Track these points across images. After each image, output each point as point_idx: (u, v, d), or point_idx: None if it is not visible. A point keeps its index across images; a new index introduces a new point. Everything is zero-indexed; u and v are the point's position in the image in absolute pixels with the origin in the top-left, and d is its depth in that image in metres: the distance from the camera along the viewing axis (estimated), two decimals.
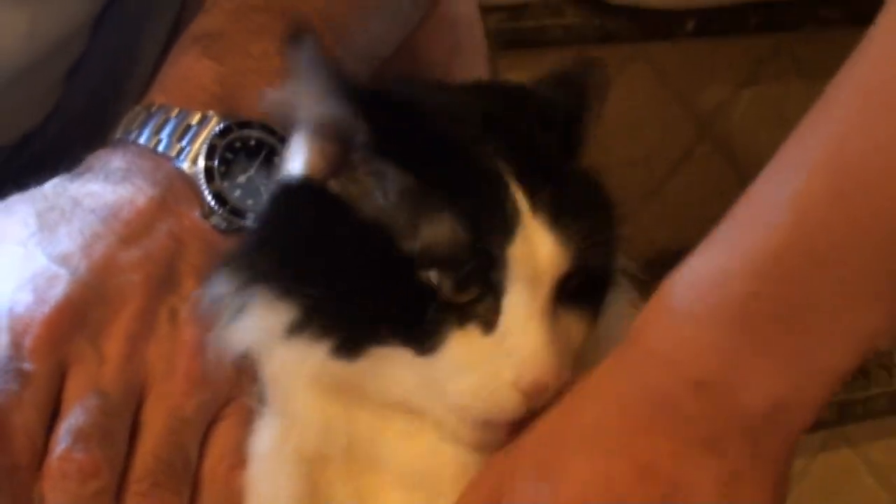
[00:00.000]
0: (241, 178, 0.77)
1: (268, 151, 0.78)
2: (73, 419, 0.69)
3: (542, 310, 0.67)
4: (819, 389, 0.66)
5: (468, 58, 1.03)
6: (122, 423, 0.70)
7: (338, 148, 0.69)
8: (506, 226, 0.66)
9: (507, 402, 0.68)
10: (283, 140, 0.78)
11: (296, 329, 0.69)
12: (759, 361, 0.65)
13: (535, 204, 0.67)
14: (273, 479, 0.71)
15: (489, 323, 0.68)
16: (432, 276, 0.66)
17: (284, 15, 0.84)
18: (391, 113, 0.70)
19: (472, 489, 0.72)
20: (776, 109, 1.71)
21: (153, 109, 0.79)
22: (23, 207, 0.75)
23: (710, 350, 0.66)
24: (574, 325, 0.70)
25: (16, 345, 0.70)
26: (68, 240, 0.73)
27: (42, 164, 0.79)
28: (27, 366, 0.69)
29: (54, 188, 0.76)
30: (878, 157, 0.63)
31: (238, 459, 0.72)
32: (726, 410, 0.66)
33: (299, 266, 0.69)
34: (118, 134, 0.79)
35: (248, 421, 0.72)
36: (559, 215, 0.67)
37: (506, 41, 1.48)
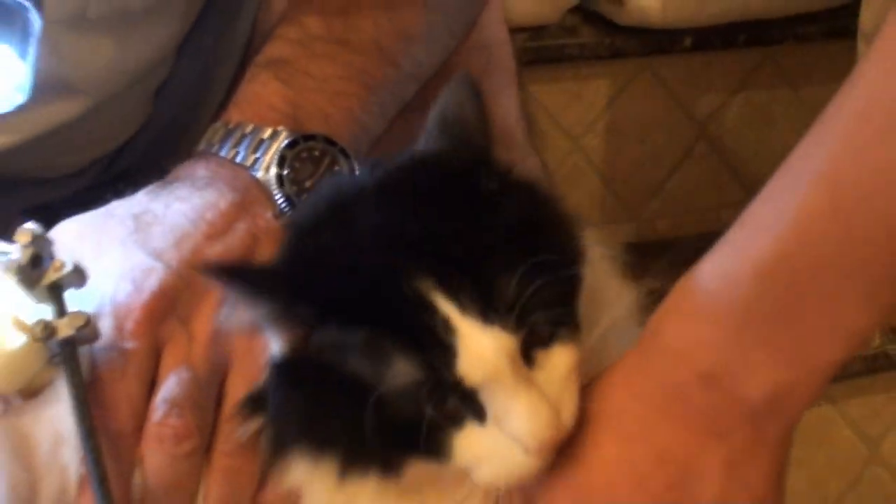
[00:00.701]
0: (308, 184, 0.77)
1: (330, 160, 0.78)
2: (167, 390, 0.69)
3: (515, 382, 0.62)
4: (814, 380, 0.65)
5: (499, 75, 1.01)
6: (209, 394, 0.70)
7: (296, 326, 0.65)
8: (445, 348, 0.61)
9: (527, 469, 0.64)
10: (342, 151, 0.78)
11: (345, 472, 0.65)
12: (760, 356, 0.64)
13: (464, 308, 0.61)
14: None
15: (480, 415, 0.63)
16: (410, 410, 0.62)
17: (341, 41, 0.83)
18: (314, 285, 0.64)
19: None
20: (763, 113, 1.69)
21: (230, 126, 0.79)
22: (122, 211, 0.75)
23: (716, 346, 0.65)
24: (559, 353, 0.65)
25: (118, 328, 0.70)
26: (161, 238, 0.73)
27: (134, 173, 0.80)
28: (128, 345, 0.69)
29: (148, 194, 0.76)
30: (872, 177, 0.62)
31: None
32: (730, 401, 0.65)
33: (318, 424, 0.65)
34: (201, 147, 0.79)
35: None
36: (489, 304, 0.62)
37: (528, 59, 1.48)
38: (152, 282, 0.71)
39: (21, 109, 0.86)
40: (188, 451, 0.69)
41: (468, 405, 0.63)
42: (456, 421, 0.63)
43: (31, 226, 0.70)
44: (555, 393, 0.64)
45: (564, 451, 0.66)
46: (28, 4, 0.76)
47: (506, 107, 1.00)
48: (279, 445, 0.67)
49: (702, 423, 0.65)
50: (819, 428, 1.61)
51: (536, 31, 1.50)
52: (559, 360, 0.65)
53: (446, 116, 0.67)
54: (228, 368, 0.71)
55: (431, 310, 0.61)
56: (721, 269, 0.66)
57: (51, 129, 0.90)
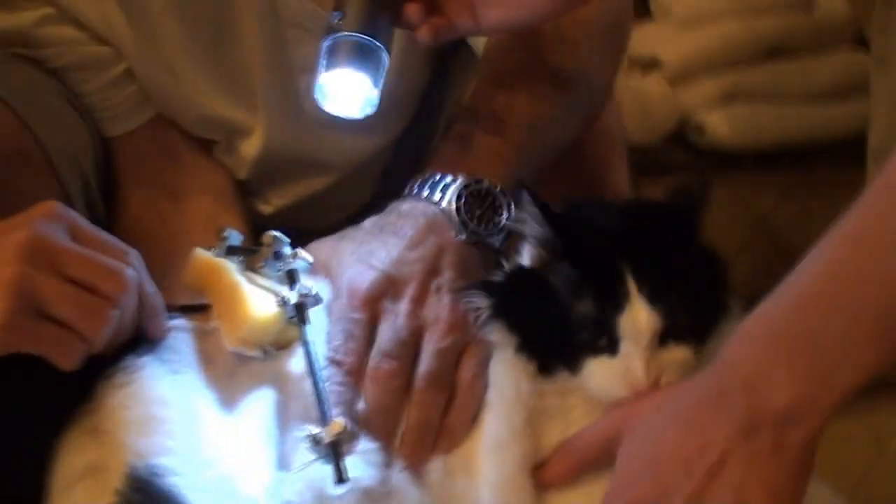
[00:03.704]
0: (478, 212, 0.76)
1: (492, 198, 0.76)
2: (381, 344, 0.69)
3: (643, 348, 0.65)
4: (830, 398, 0.60)
5: (616, 155, 0.99)
6: (409, 350, 0.70)
7: (546, 252, 0.68)
8: (620, 305, 0.65)
9: (619, 393, 0.67)
10: (502, 191, 0.77)
11: (518, 351, 0.68)
12: (788, 374, 0.60)
13: (641, 290, 0.65)
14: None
15: (613, 352, 0.66)
16: (583, 334, 0.66)
17: (501, 122, 0.81)
18: (571, 232, 0.68)
19: (597, 426, 0.68)
20: (807, 214, 1.61)
21: (426, 175, 0.79)
22: (352, 234, 0.76)
23: (756, 361, 0.61)
24: (680, 350, 0.66)
25: (349, 305, 0.71)
26: (378, 247, 0.74)
27: (375, 204, 0.80)
28: (356, 316, 0.70)
29: (374, 219, 0.77)
30: (884, 241, 0.58)
31: (477, 373, 0.69)
32: (761, 406, 0.60)
33: (520, 317, 0.68)
34: (406, 190, 0.79)
35: (481, 353, 0.70)
36: (656, 297, 0.65)
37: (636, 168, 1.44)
38: (372, 275, 0.72)
39: (287, 182, 0.88)
40: (394, 387, 0.68)
41: (612, 343, 0.66)
42: (599, 350, 0.66)
43: (272, 233, 0.73)
44: (662, 368, 0.66)
45: (645, 423, 0.65)
46: (382, 47, 0.74)
47: (619, 178, 0.98)
48: (492, 310, 0.69)
49: (736, 421, 0.60)
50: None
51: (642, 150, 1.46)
52: (677, 353, 0.66)
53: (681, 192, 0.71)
54: (422, 333, 0.70)
55: (624, 283, 0.65)
56: (769, 303, 0.61)
57: (308, 195, 0.92)
